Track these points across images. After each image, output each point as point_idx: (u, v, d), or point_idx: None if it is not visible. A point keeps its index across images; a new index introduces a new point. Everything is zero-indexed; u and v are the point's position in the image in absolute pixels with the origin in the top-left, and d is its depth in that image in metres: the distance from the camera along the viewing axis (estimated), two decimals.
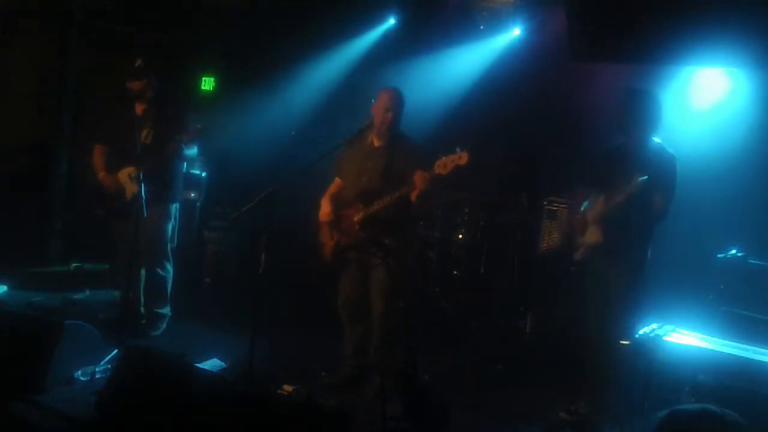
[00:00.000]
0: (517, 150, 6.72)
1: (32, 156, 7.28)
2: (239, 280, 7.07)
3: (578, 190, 4.68)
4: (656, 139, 4.36)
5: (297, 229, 5.81)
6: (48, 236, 7.16)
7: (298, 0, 7.40)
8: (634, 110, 4.34)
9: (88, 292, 6.44)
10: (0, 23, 7.10)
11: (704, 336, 4.06)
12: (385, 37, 7.52)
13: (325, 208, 4.80)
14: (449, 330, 6.12)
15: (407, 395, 4.01)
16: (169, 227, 5.56)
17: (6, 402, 3.94)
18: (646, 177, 4.06)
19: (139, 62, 5.29)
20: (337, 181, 4.90)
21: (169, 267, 5.59)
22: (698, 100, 5.62)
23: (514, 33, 6.95)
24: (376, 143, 4.73)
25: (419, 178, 4.29)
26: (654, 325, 4.15)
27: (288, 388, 4.29)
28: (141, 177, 5.04)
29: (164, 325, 5.58)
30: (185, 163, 5.83)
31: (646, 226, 4.35)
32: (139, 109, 5.37)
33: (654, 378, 3.91)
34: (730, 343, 3.98)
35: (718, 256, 5.01)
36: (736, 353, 3.83)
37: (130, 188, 5.21)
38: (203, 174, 7.24)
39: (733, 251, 4.99)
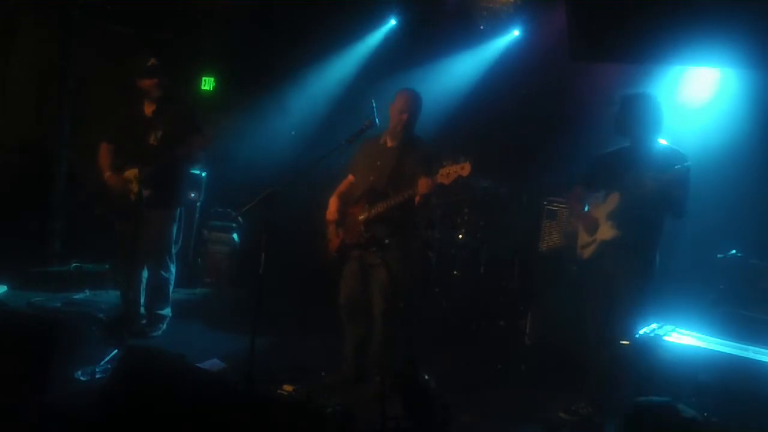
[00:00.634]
0: (517, 150, 6.72)
1: (32, 156, 7.28)
2: (239, 280, 7.08)
3: (577, 190, 4.68)
4: (662, 141, 4.36)
5: (297, 229, 5.81)
6: (48, 236, 7.14)
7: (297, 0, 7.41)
8: (635, 114, 4.34)
9: (88, 292, 6.44)
10: (0, 23, 7.10)
11: (704, 336, 4.07)
12: (386, 38, 7.53)
13: (331, 207, 4.84)
14: (449, 330, 6.12)
15: (407, 395, 4.01)
16: (174, 229, 5.56)
17: (6, 402, 3.93)
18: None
19: (152, 61, 5.24)
20: (350, 177, 4.92)
21: (173, 269, 5.59)
22: (692, 98, 5.63)
23: (513, 34, 6.97)
24: (389, 143, 4.74)
25: (423, 184, 4.31)
26: (654, 325, 4.16)
27: (288, 388, 4.29)
28: (147, 179, 5.02)
29: (165, 326, 5.58)
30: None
31: (661, 224, 4.35)
32: (148, 109, 5.33)
33: (654, 378, 3.92)
34: (730, 343, 3.99)
35: (718, 256, 5.01)
36: (736, 353, 3.84)
37: (136, 189, 5.15)
38: (203, 174, 7.23)
39: (733, 251, 5.00)
